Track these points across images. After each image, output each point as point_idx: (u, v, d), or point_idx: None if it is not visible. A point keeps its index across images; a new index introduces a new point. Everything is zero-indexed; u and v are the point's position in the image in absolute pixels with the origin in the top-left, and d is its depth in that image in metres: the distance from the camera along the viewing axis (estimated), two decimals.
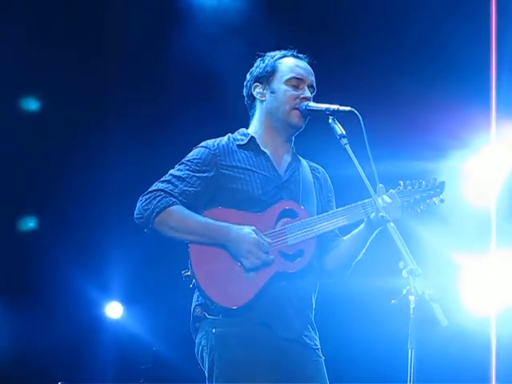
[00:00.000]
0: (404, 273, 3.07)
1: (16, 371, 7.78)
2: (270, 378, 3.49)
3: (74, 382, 7.28)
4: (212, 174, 3.71)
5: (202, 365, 3.64)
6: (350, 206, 3.70)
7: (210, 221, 3.60)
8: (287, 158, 3.86)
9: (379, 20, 6.88)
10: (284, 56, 3.90)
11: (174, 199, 3.63)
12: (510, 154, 6.82)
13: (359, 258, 3.79)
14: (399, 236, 3.23)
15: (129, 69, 7.37)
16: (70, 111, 7.39)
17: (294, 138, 3.91)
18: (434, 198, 3.78)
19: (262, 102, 3.86)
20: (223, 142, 3.81)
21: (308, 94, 3.79)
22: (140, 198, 3.68)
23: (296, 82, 3.80)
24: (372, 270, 5.35)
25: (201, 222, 3.61)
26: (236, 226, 3.58)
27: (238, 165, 3.74)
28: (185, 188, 3.67)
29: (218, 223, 3.60)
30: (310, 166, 3.95)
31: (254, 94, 3.88)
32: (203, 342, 3.60)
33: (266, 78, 3.85)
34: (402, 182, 3.76)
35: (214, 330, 3.55)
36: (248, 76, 3.93)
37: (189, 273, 3.59)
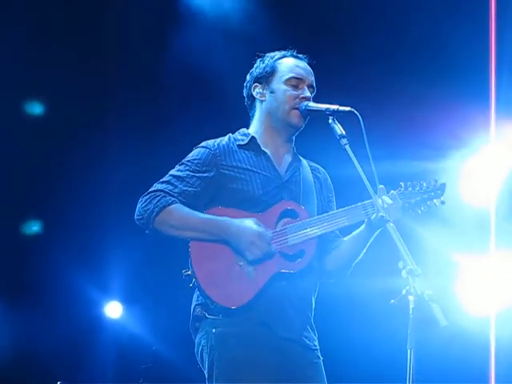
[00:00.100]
0: (403, 273, 3.07)
1: (16, 371, 7.77)
2: (269, 378, 3.49)
3: (73, 382, 7.27)
4: (212, 174, 3.71)
5: (202, 365, 3.64)
6: (350, 206, 3.70)
7: (210, 217, 3.62)
8: (288, 158, 3.86)
9: (379, 20, 6.88)
10: (283, 56, 3.91)
11: (173, 198, 3.64)
12: (509, 153, 6.82)
13: (359, 258, 3.79)
14: (399, 236, 3.24)
15: (129, 69, 7.37)
16: (69, 111, 7.39)
17: (294, 138, 3.91)
18: (435, 200, 3.78)
19: (261, 102, 3.87)
20: (223, 142, 3.81)
21: (308, 93, 3.80)
22: (140, 200, 3.68)
23: (296, 81, 3.81)
24: (371, 270, 5.35)
25: (201, 218, 3.62)
26: (236, 220, 3.58)
27: (239, 165, 3.74)
28: (184, 188, 3.68)
29: (218, 218, 3.61)
30: (311, 166, 3.95)
31: (254, 94, 3.89)
32: (203, 342, 3.60)
33: (266, 78, 3.86)
34: (402, 184, 3.76)
35: (213, 330, 3.55)
36: (248, 76, 3.94)
37: (189, 272, 3.59)
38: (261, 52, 3.99)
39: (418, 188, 3.77)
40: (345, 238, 3.82)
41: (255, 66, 3.94)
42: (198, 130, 4.80)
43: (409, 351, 2.96)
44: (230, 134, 3.89)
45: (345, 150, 3.52)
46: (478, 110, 6.71)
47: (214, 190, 3.70)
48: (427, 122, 6.68)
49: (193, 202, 3.67)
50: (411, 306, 3.00)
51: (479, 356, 6.75)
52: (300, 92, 3.79)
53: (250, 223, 3.57)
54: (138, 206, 3.67)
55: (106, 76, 7.43)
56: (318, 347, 3.70)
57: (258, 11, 6.94)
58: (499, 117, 6.75)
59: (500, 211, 6.82)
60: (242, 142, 3.82)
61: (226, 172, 3.71)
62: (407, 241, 3.22)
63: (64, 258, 7.65)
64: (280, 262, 3.59)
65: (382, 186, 3.59)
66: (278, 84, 3.82)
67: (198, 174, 3.71)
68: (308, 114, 3.77)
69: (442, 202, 3.79)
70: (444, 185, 3.82)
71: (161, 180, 3.72)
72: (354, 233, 3.76)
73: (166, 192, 3.65)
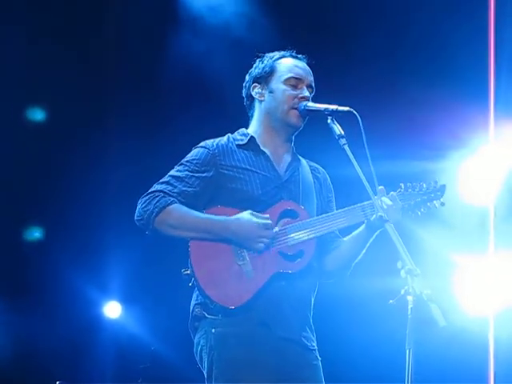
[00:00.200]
0: (402, 273, 3.08)
1: (14, 370, 7.76)
2: (269, 378, 3.50)
3: (72, 381, 7.26)
4: (211, 174, 3.72)
5: (201, 364, 3.65)
6: (350, 207, 3.71)
7: (210, 216, 3.62)
8: (287, 158, 3.86)
9: (379, 20, 6.88)
10: (283, 56, 3.91)
11: (172, 198, 3.64)
12: (508, 153, 6.82)
13: (359, 259, 3.80)
14: (397, 236, 3.24)
15: (129, 69, 7.37)
16: (69, 111, 7.39)
17: (293, 138, 3.92)
18: (435, 201, 3.79)
19: (260, 102, 3.87)
20: (222, 142, 3.82)
21: (306, 93, 3.80)
22: (139, 201, 3.69)
23: (294, 81, 3.81)
24: (370, 269, 5.35)
25: (200, 217, 3.62)
26: (234, 217, 3.59)
27: (238, 164, 3.74)
28: (184, 188, 3.68)
29: (217, 217, 3.62)
30: (310, 166, 3.95)
31: (253, 94, 3.89)
32: (202, 342, 3.60)
33: (265, 78, 3.87)
34: (402, 185, 3.77)
35: (213, 330, 3.55)
36: (247, 77, 3.95)
37: (188, 271, 3.60)
38: (260, 52, 3.99)
39: (417, 189, 3.77)
40: (344, 239, 3.82)
41: (254, 66, 3.94)
42: (198, 130, 4.79)
43: (407, 351, 2.96)
44: (229, 134, 3.89)
45: (344, 150, 3.52)
46: (477, 110, 6.71)
47: (213, 190, 3.70)
48: (426, 122, 6.68)
49: (192, 201, 3.67)
50: (410, 306, 3.00)
51: (478, 356, 6.74)
52: (299, 92, 3.79)
53: (247, 216, 3.58)
54: (138, 207, 3.68)
55: (106, 76, 7.43)
56: (316, 348, 3.71)
57: (258, 12, 6.94)
58: (498, 117, 6.75)
59: (499, 211, 6.82)
60: (241, 142, 3.83)
61: (225, 172, 3.72)
62: (406, 241, 3.22)
63: (63, 258, 7.64)
64: (279, 262, 3.60)
65: (381, 187, 3.59)
66: (276, 84, 3.83)
67: (197, 174, 3.71)
68: (307, 113, 3.77)
69: (442, 204, 3.80)
70: (444, 186, 3.82)
71: (160, 181, 3.72)
72: (353, 233, 3.76)
73: (165, 192, 3.66)
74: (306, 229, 3.65)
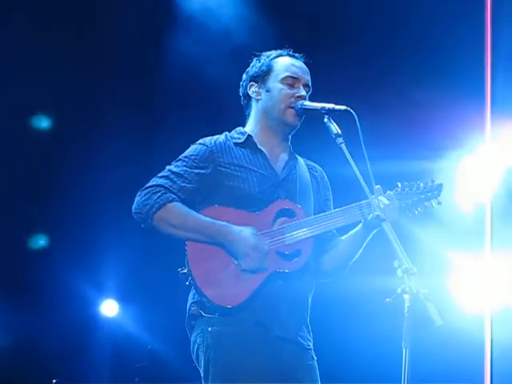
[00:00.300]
0: (399, 272, 3.07)
1: (11, 369, 7.77)
2: (265, 377, 3.49)
3: (68, 380, 7.28)
4: (209, 170, 3.71)
5: (198, 363, 3.64)
6: (347, 206, 3.70)
7: (211, 220, 3.60)
8: (284, 157, 3.86)
9: (376, 20, 6.89)
10: (280, 55, 3.91)
11: (173, 195, 3.63)
12: (505, 153, 6.83)
13: (356, 258, 3.80)
14: (394, 235, 3.24)
15: (126, 69, 7.37)
16: (68, 111, 7.39)
17: (290, 137, 3.91)
18: (432, 201, 3.79)
19: (257, 101, 3.87)
20: (220, 140, 3.82)
21: (303, 92, 3.80)
22: (138, 193, 3.67)
23: (291, 80, 3.81)
24: (367, 268, 5.35)
25: (201, 220, 3.61)
26: (236, 228, 3.58)
27: (235, 162, 3.74)
28: (183, 184, 3.68)
29: (219, 223, 3.59)
30: (308, 165, 3.95)
31: (250, 93, 3.89)
32: (199, 341, 3.59)
33: (262, 77, 3.86)
34: (399, 184, 3.77)
35: (209, 329, 3.55)
36: (244, 75, 3.94)
37: (185, 270, 3.59)
38: (258, 51, 3.99)
39: (414, 188, 3.77)
40: (342, 238, 3.82)
41: (251, 64, 3.94)
42: (195, 130, 4.79)
43: (404, 350, 2.96)
44: (227, 133, 3.89)
45: (340, 149, 3.52)
46: (474, 109, 6.71)
47: (210, 187, 3.69)
48: (423, 122, 6.68)
49: (190, 197, 3.66)
50: (406, 305, 2.99)
51: (474, 356, 6.75)
52: (295, 91, 3.79)
53: (248, 233, 3.57)
54: (137, 199, 3.65)
55: (104, 76, 7.43)
56: (312, 347, 3.70)
57: (256, 11, 6.94)
58: (495, 117, 6.76)
59: (496, 211, 6.82)
60: (238, 140, 3.83)
61: (223, 169, 3.71)
62: (403, 240, 3.22)
63: (60, 257, 7.65)
64: (276, 261, 3.59)
65: (378, 186, 3.59)
66: (273, 83, 3.83)
67: (196, 170, 3.70)
68: (303, 112, 3.77)
69: (439, 203, 3.80)
70: (441, 185, 3.83)
71: (159, 175, 3.71)
72: (350, 232, 3.76)
73: (166, 188, 3.64)
74: (303, 228, 3.64)
